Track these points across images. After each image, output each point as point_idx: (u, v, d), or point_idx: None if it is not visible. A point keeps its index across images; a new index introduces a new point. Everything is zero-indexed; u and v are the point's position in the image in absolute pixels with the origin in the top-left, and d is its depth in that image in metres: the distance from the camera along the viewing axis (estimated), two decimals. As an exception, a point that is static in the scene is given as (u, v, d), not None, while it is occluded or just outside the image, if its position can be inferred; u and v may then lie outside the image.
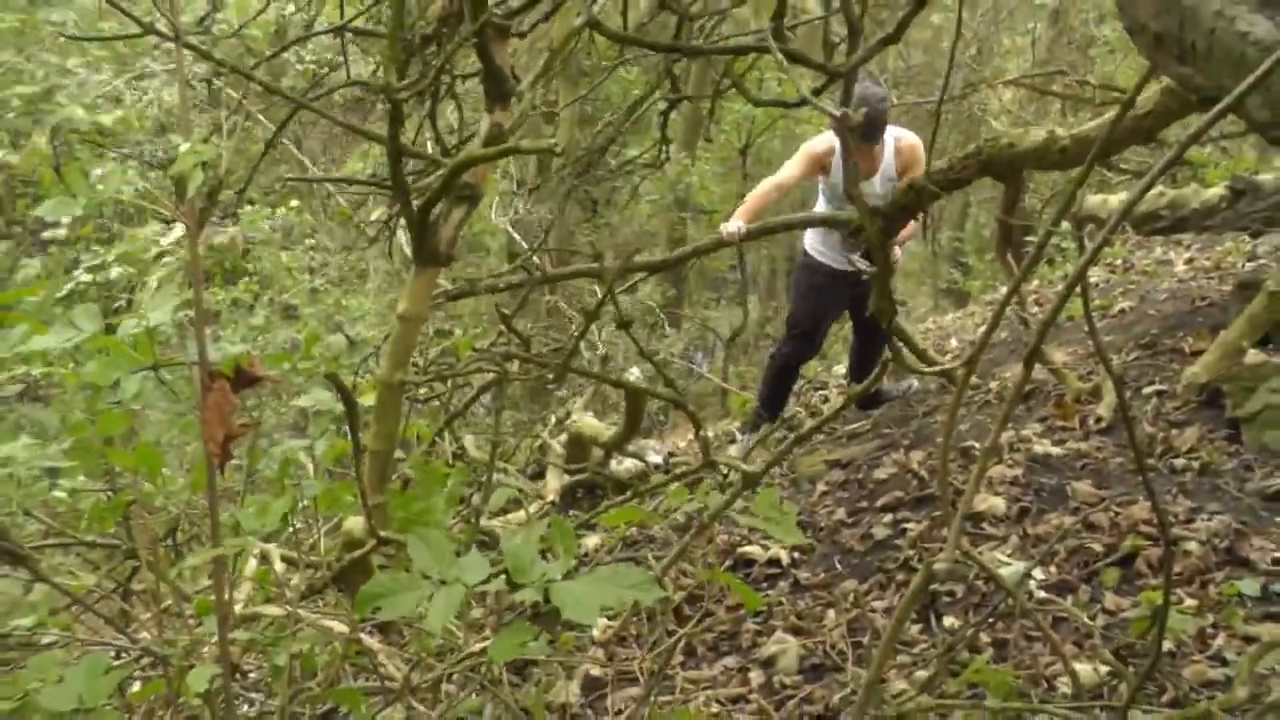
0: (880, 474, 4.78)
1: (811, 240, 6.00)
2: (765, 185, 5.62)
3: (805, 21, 6.59)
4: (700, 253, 5.36)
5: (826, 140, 5.69)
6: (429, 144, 4.10)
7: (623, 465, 5.81)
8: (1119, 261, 8.36)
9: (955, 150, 5.09)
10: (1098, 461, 4.31)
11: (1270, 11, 1.81)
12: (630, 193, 14.23)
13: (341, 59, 4.60)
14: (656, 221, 14.86)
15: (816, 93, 4.76)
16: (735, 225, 5.15)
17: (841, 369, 9.05)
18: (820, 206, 5.89)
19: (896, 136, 5.78)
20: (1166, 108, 4.30)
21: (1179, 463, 4.08)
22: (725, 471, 5.34)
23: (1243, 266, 6.56)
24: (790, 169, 5.68)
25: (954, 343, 8.32)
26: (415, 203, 3.62)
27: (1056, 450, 4.47)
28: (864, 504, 4.55)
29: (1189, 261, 7.47)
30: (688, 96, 6.08)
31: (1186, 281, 6.82)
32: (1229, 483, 3.89)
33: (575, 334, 3.89)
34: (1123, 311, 6.52)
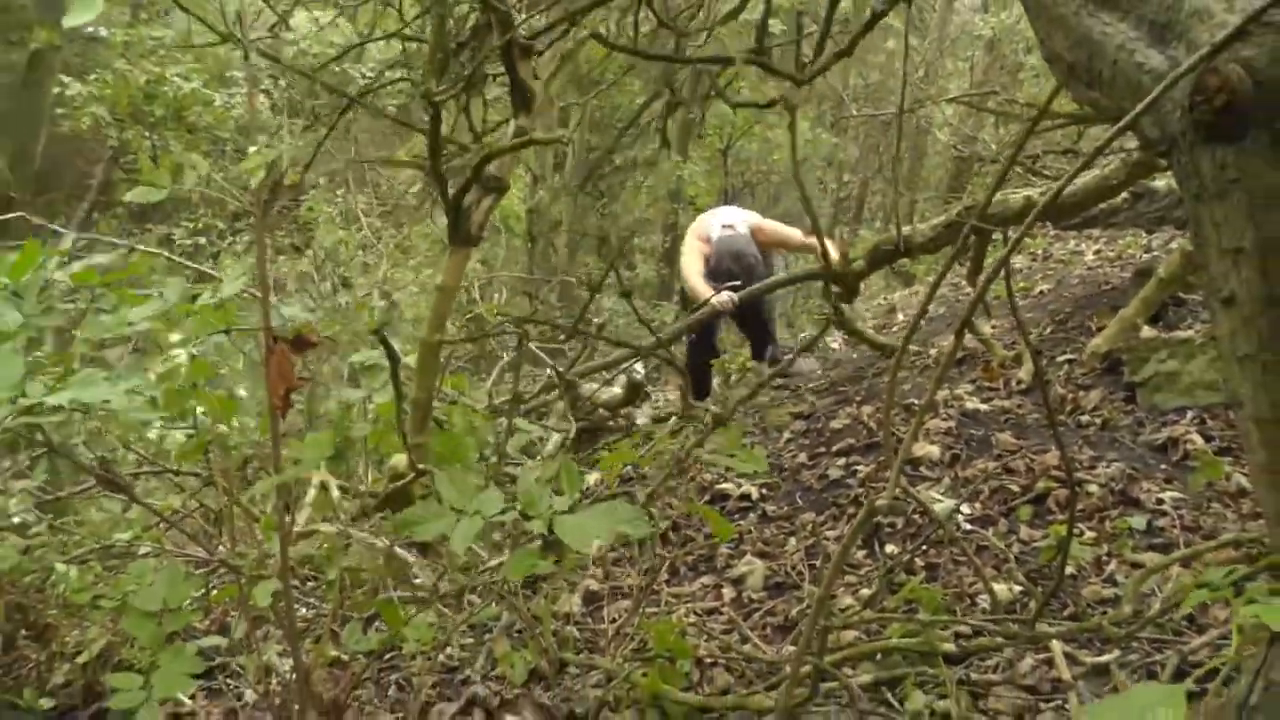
0: (836, 424, 4.76)
1: (697, 280, 6.36)
2: (694, 276, 6.28)
3: (781, 44, 6.59)
4: (697, 322, 5.83)
5: (701, 230, 6.48)
6: (467, 132, 4.13)
7: (611, 392, 5.85)
8: (1040, 252, 8.34)
9: (914, 175, 5.14)
10: (1018, 417, 4.31)
11: (1162, 46, 1.82)
12: (632, 187, 14.24)
13: (392, 68, 4.60)
14: (653, 210, 14.82)
15: (773, 103, 4.86)
16: (726, 295, 5.78)
17: (804, 336, 9.05)
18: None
19: (753, 226, 6.52)
20: (1130, 175, 4.44)
21: (1084, 419, 4.09)
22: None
23: (1140, 257, 6.56)
24: (694, 259, 6.37)
25: (900, 317, 8.33)
26: (451, 191, 3.63)
27: (984, 407, 4.46)
28: (822, 449, 4.54)
29: (1097, 252, 7.45)
30: (681, 100, 6.12)
31: (1094, 269, 6.81)
32: (1125, 436, 3.90)
33: (585, 302, 3.92)
34: (1041, 293, 6.51)
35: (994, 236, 5.74)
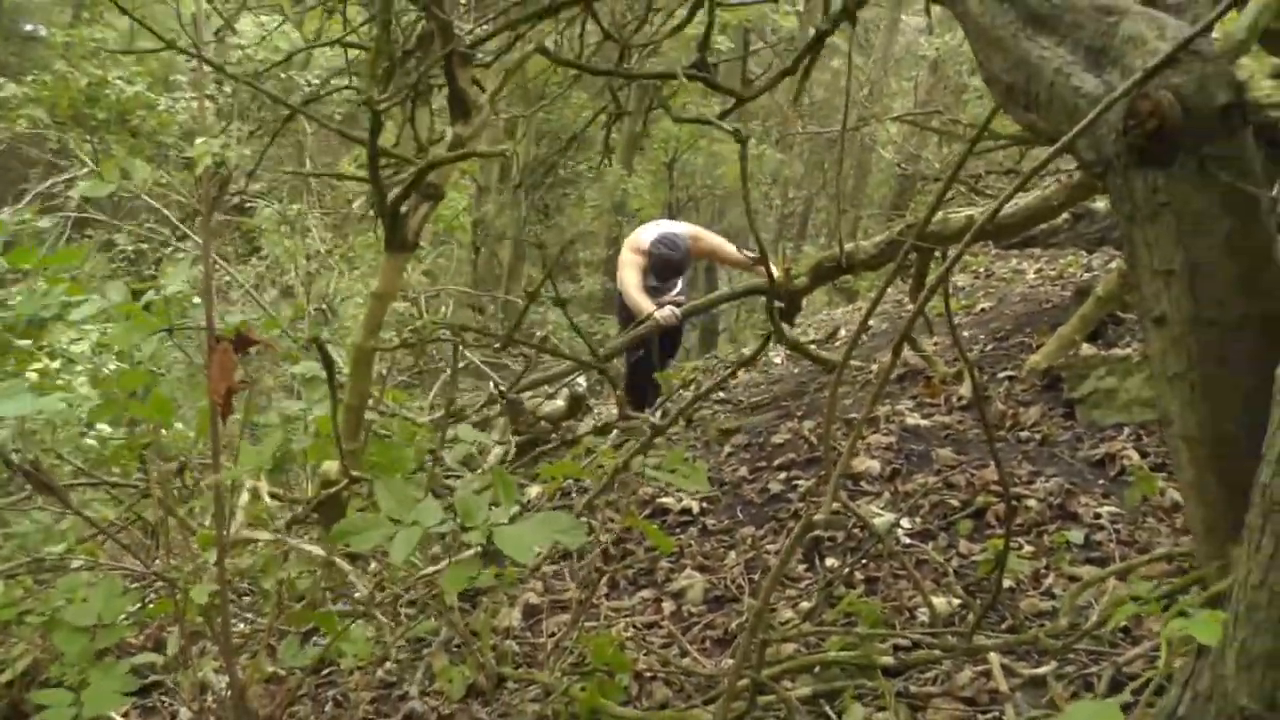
0: (777, 439, 4.78)
1: (638, 295, 6.39)
2: (635, 290, 6.31)
3: (728, 59, 6.69)
4: (638, 337, 5.85)
5: (637, 243, 6.46)
6: (412, 141, 4.12)
7: (551, 406, 5.86)
8: (982, 270, 8.46)
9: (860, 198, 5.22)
10: (958, 432, 4.36)
11: (1097, 71, 1.87)
12: (576, 199, 14.27)
13: (337, 76, 4.59)
14: (598, 223, 14.85)
15: (725, 114, 4.91)
16: (669, 310, 5.83)
17: (747, 352, 9.11)
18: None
19: (687, 234, 6.56)
20: (1071, 196, 4.55)
21: (1024, 434, 4.15)
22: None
23: (1080, 276, 6.67)
24: (634, 273, 6.39)
25: (843, 332, 8.39)
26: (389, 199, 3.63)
27: (924, 422, 4.51)
28: (763, 464, 4.56)
29: (1038, 271, 7.57)
30: (625, 112, 6.16)
31: (1036, 288, 6.92)
32: (1063, 451, 3.97)
33: (521, 310, 3.92)
34: (983, 310, 6.60)
35: (935, 254, 5.83)
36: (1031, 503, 3.56)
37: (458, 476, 4.56)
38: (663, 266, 6.34)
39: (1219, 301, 1.65)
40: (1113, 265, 6.16)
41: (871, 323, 8.65)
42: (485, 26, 4.04)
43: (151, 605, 3.32)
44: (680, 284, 6.72)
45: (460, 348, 4.23)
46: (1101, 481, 3.71)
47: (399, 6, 3.87)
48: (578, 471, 3.57)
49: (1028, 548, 3.33)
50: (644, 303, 6.11)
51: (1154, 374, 1.73)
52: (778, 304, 5.59)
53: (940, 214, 4.91)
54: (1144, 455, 3.80)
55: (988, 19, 2.07)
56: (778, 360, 7.69)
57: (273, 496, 3.74)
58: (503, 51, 4.19)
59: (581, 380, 5.99)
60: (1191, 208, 1.66)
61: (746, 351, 8.79)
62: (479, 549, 2.33)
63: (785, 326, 5.20)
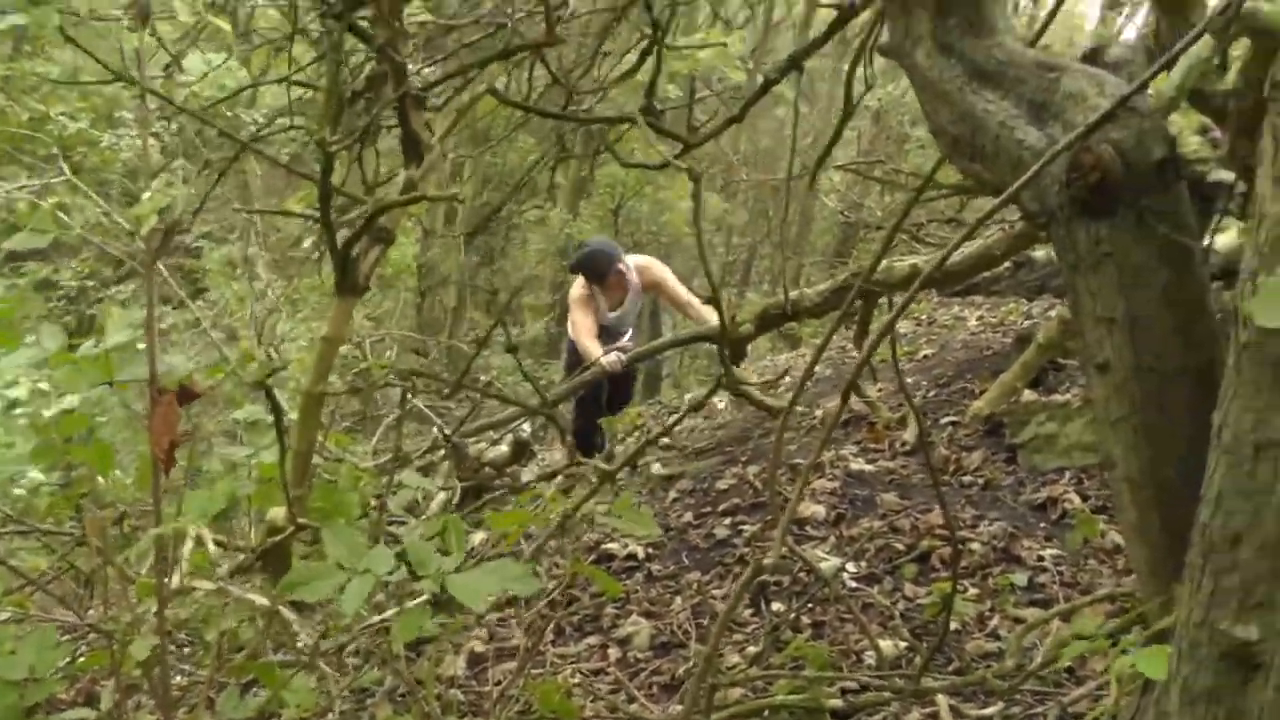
0: (722, 484, 4.81)
1: (589, 340, 6.36)
2: (586, 335, 6.27)
3: (672, 107, 6.75)
4: (583, 384, 5.89)
5: (578, 288, 6.45)
6: (359, 183, 4.11)
7: (496, 451, 5.83)
8: (924, 317, 8.59)
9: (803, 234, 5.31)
10: (902, 477, 4.42)
11: (1040, 125, 1.93)
12: (521, 243, 14.27)
13: (284, 115, 4.57)
14: (542, 267, 14.85)
15: (667, 164, 4.97)
16: (615, 356, 5.83)
17: (692, 397, 9.14)
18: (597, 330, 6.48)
19: (634, 264, 6.50)
20: (1012, 245, 4.65)
21: (967, 479, 4.22)
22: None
23: (1021, 323, 6.80)
24: (585, 316, 6.35)
25: (788, 378, 8.45)
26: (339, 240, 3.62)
27: (869, 467, 4.56)
28: (708, 509, 4.58)
29: (980, 319, 7.70)
30: (572, 155, 6.22)
31: (977, 334, 7.05)
32: (1006, 495, 4.04)
33: (471, 355, 3.93)
34: (926, 357, 6.70)
35: (880, 301, 5.91)
36: (975, 546, 3.61)
37: (401, 523, 4.52)
38: (593, 271, 6.33)
39: (1158, 350, 1.71)
40: (1053, 313, 6.28)
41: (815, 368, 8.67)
42: (434, 69, 4.06)
43: (84, 658, 3.25)
44: (631, 331, 6.74)
45: (408, 393, 4.23)
46: (1044, 525, 3.78)
47: (349, 46, 3.88)
48: (527, 520, 3.56)
49: (973, 590, 3.37)
50: (592, 348, 6.11)
51: (1097, 419, 1.78)
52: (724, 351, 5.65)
53: (886, 261, 4.99)
54: (1085, 499, 3.88)
55: (935, 73, 2.13)
56: (722, 406, 7.74)
57: (216, 544, 3.68)
58: (454, 94, 4.21)
59: (526, 426, 5.99)
60: (1132, 259, 1.72)
61: (691, 397, 8.85)
62: (429, 597, 2.32)
63: (736, 371, 5.24)
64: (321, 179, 3.30)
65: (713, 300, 3.34)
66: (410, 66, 3.54)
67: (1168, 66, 1.77)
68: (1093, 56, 2.06)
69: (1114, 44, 2.30)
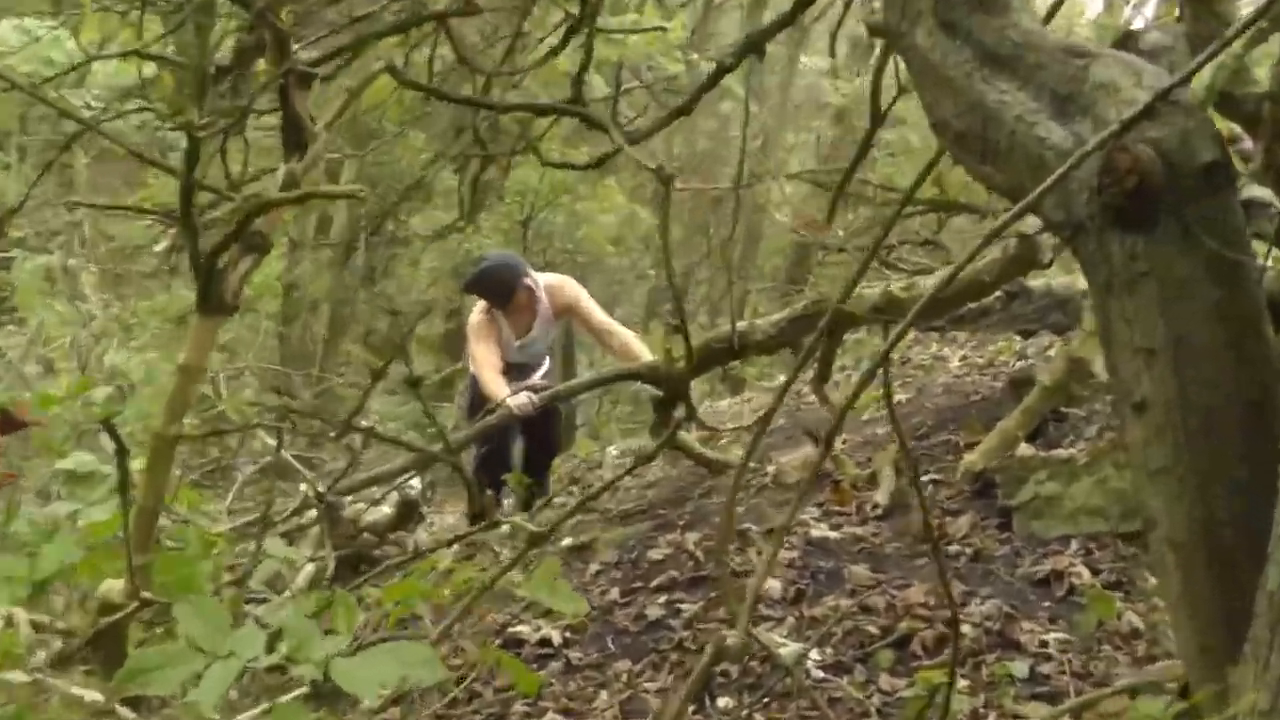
0: (655, 554, 4.77)
1: (492, 377, 6.31)
2: (489, 370, 6.23)
3: (601, 99, 6.78)
4: (489, 428, 5.86)
5: (478, 314, 6.45)
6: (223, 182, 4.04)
7: (377, 513, 5.77)
8: (897, 356, 8.69)
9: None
10: (874, 546, 4.43)
11: (1065, 120, 1.96)
12: (409, 261, 14.15)
13: (129, 95, 4.51)
14: (436, 290, 14.75)
15: (601, 161, 4.97)
16: (524, 397, 5.77)
17: (615, 450, 9.14)
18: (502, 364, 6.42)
19: (546, 284, 6.47)
20: (1005, 271, 4.70)
21: (953, 549, 4.23)
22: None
23: (1013, 364, 6.89)
24: (488, 348, 6.32)
25: (730, 426, 8.48)
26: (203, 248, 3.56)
27: (833, 534, 4.58)
28: (638, 584, 4.54)
29: (963, 359, 7.77)
30: (492, 155, 6.20)
31: (961, 377, 7.11)
32: (1000, 568, 4.07)
33: (364, 391, 3.88)
34: (899, 403, 6.76)
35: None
36: (966, 629, 3.62)
37: (261, 600, 4.44)
38: (494, 291, 6.33)
39: (1207, 385, 1.73)
40: (1052, 352, 6.39)
41: (758, 413, 8.70)
42: (318, 42, 4.03)
43: None
44: (546, 365, 6.70)
45: (272, 437, 4.16)
46: (1046, 603, 3.80)
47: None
48: (427, 594, 3.52)
49: (963, 682, 3.37)
50: (495, 386, 6.03)
51: (1133, 468, 1.80)
52: (657, 394, 5.65)
53: (840, 288, 5.04)
54: (1095, 572, 3.91)
55: (937, 56, 2.16)
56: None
57: (33, 626, 3.57)
58: (337, 71, 4.19)
59: (415, 483, 5.93)
60: (1175, 276, 1.74)
61: (628, 449, 8.85)
62: (309, 686, 2.27)
63: (678, 418, 5.26)
64: (185, 170, 3.26)
65: (680, 329, 3.33)
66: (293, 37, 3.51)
67: (1214, 56, 1.82)
68: (1126, 41, 2.10)
69: (1151, 28, 2.35)
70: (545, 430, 6.73)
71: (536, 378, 6.52)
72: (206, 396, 7.27)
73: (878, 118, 3.88)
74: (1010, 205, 2.04)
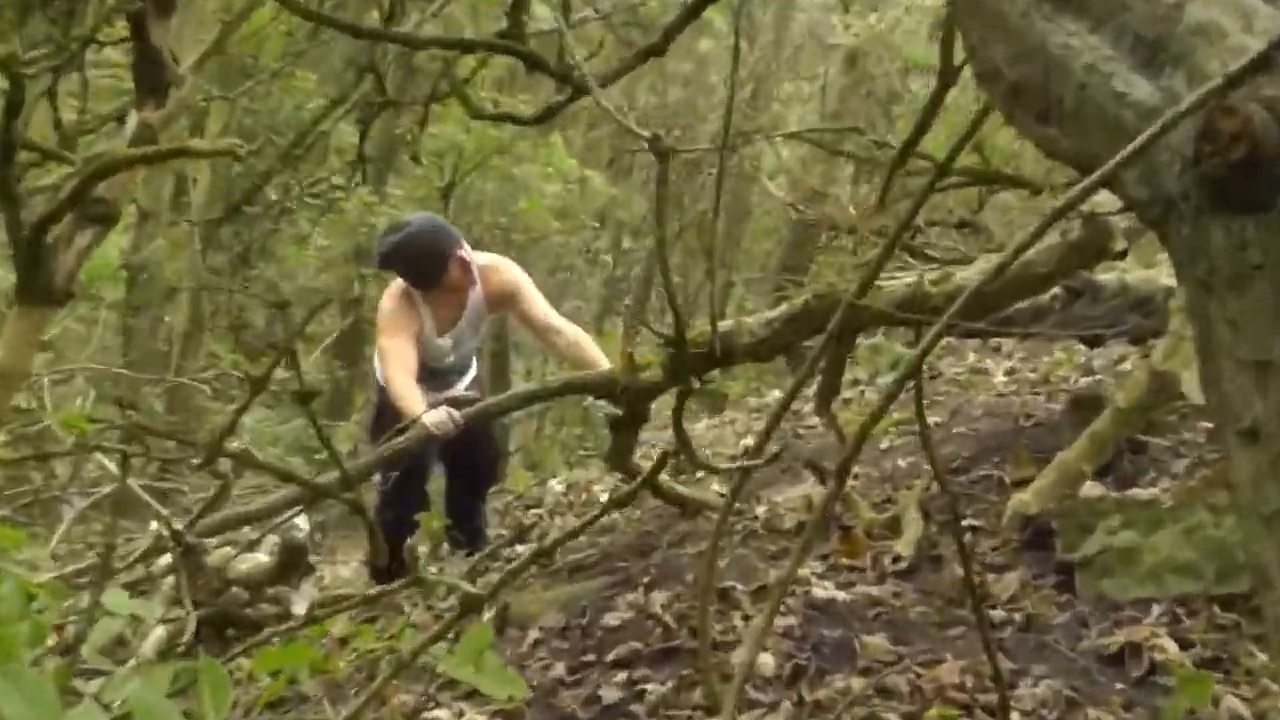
0: (612, 619, 4.78)
1: (405, 384, 6.25)
2: (400, 376, 6.14)
3: (542, 33, 6.77)
4: (398, 454, 5.79)
5: (391, 298, 6.40)
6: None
7: (252, 562, 5.76)
8: (926, 369, 8.71)
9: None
10: (894, 610, 4.44)
11: (1152, 72, 1.96)
12: (295, 238, 14.07)
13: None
14: (328, 276, 14.66)
15: (548, 114, 4.95)
16: (443, 414, 5.69)
17: (559, 485, 9.15)
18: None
19: (482, 267, 6.44)
20: (1065, 261, 4.67)
21: (998, 614, 4.23)
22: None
23: (1075, 381, 6.92)
24: (402, 344, 6.27)
25: (708, 454, 8.46)
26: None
27: (842, 595, 4.58)
28: (590, 657, 4.54)
29: (1010, 373, 7.83)
30: (395, 101, 6.18)
31: (1007, 395, 7.16)
32: (1059, 640, 4.06)
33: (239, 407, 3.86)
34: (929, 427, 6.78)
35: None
36: (1014, 717, 3.63)
37: (98, 673, 4.42)
38: (417, 266, 6.28)
39: (1337, 407, 1.74)
40: (1127, 364, 6.40)
41: (743, 440, 8.69)
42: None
43: None
44: (473, 369, 6.68)
45: (113, 461, 4.13)
46: (1120, 685, 3.80)
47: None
48: (311, 664, 3.50)
49: (1011, 784, 3.39)
50: (409, 395, 5.95)
51: (1239, 513, 1.81)
52: (613, 412, 5.64)
53: (852, 281, 5.02)
54: (1184, 645, 3.90)
55: (988, -16, 2.17)
56: (606, 496, 7.75)
57: None
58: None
59: (301, 523, 5.91)
60: (1294, 271, 1.75)
61: (561, 480, 8.85)
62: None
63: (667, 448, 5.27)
64: (5, 120, 3.24)
65: (678, 338, 3.30)
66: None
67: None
68: (1232, -26, 2.10)
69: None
70: (473, 456, 6.72)
71: (460, 388, 6.50)
72: (27, 408, 7.23)
73: (950, 71, 3.85)
74: (1076, 178, 2.05)
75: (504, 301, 6.50)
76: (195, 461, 4.23)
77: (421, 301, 6.26)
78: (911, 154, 4.42)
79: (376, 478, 6.47)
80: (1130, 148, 1.78)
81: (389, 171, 14.04)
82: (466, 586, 3.14)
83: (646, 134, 2.78)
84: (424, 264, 6.19)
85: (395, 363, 6.19)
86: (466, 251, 6.30)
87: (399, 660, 2.95)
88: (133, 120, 3.69)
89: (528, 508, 8.52)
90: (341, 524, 10.52)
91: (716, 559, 3.41)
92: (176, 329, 13.60)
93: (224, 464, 5.61)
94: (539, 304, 6.57)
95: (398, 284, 6.36)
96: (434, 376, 6.33)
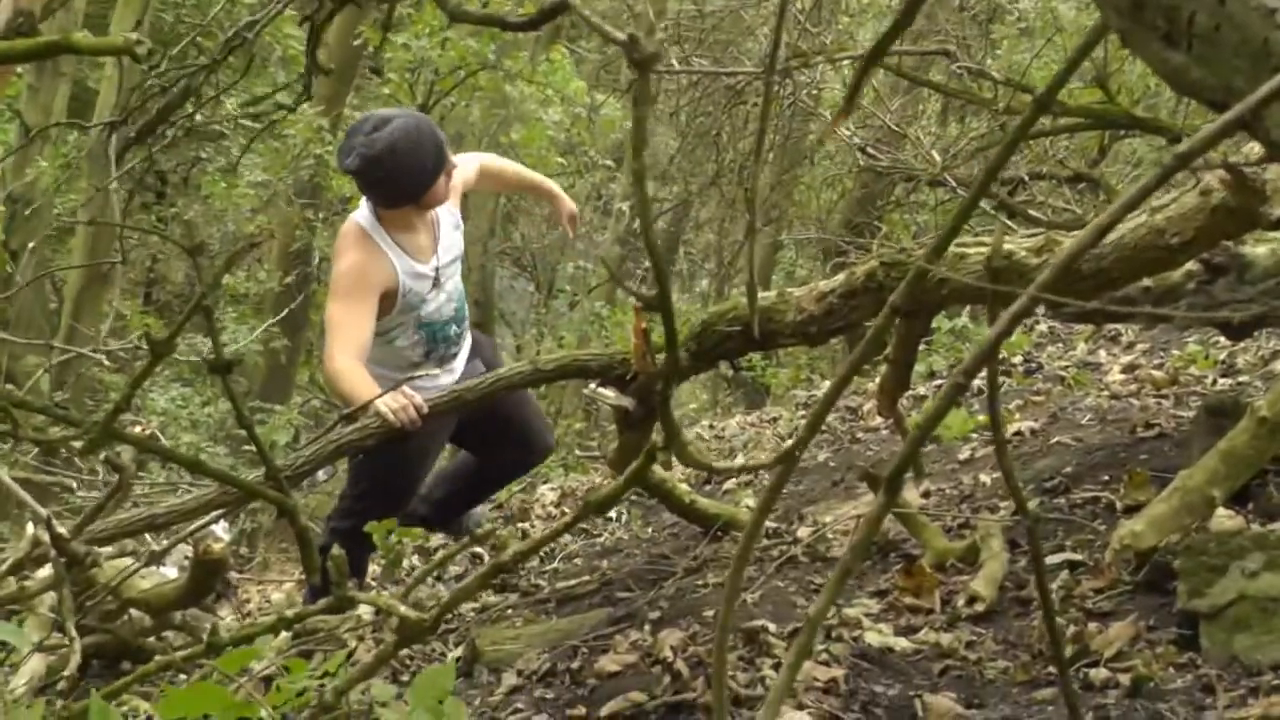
0: (610, 663, 4.80)
1: (379, 369, 6.26)
2: (347, 360, 5.99)
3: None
4: (350, 446, 5.74)
5: (357, 222, 6.31)
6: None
7: (157, 578, 5.78)
8: (1018, 360, 8.70)
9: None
10: (967, 665, 4.43)
11: (1311, -15, 1.97)
12: (225, 169, 14.06)
13: None
14: (270, 217, 14.64)
15: (545, 18, 4.93)
16: (400, 400, 5.57)
17: (550, 491, 9.20)
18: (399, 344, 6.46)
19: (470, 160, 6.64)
20: (1204, 231, 4.63)
21: (1099, 674, 4.22)
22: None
23: (1213, 382, 6.94)
24: (360, 322, 6.12)
25: (740, 460, 8.47)
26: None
27: (902, 642, 4.59)
28: (579, 711, 4.55)
29: (1130, 369, 7.83)
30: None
31: (1124, 398, 7.18)
32: (1177, 710, 4.05)
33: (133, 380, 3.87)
34: (1021, 435, 6.79)
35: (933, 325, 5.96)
36: (1115, 808, 3.65)
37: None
38: (405, 174, 6.15)
39: None
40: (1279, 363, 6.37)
41: (786, 441, 8.62)
42: None
43: None
44: (466, 341, 6.67)
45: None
46: (1250, 770, 3.82)
47: None
48: (228, 706, 3.54)
49: None
50: (352, 379, 5.80)
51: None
52: (622, 404, 5.65)
53: (951, 245, 5.00)
54: (1343, 722, 3.92)
55: None
56: (611, 514, 7.79)
57: None
58: None
59: (220, 530, 5.94)
60: None
61: (553, 486, 8.90)
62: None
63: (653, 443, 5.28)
64: None
65: (659, 300, 3.29)
66: None
67: None
68: None
69: None
70: (509, 444, 6.84)
71: (457, 358, 6.51)
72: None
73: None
74: (1212, 117, 2.06)
75: (459, 191, 6.60)
76: (80, 447, 4.22)
77: (387, 233, 6.18)
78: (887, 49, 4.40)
79: (356, 475, 6.49)
80: (1278, 80, 1.79)
81: (345, 89, 14.04)
82: (403, 610, 3.16)
83: (621, 36, 2.75)
84: (413, 176, 6.14)
85: (341, 339, 6.07)
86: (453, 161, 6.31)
87: (321, 703, 2.98)
88: (5, 7, 3.70)
89: (508, 520, 8.55)
90: (280, 534, 10.58)
91: (739, 589, 3.41)
92: (68, 283, 13.62)
93: (123, 452, 5.64)
94: (501, 164, 7.00)
95: (356, 222, 6.32)
96: (429, 337, 6.34)
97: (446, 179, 6.22)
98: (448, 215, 6.48)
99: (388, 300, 6.24)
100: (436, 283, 6.38)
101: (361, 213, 6.39)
